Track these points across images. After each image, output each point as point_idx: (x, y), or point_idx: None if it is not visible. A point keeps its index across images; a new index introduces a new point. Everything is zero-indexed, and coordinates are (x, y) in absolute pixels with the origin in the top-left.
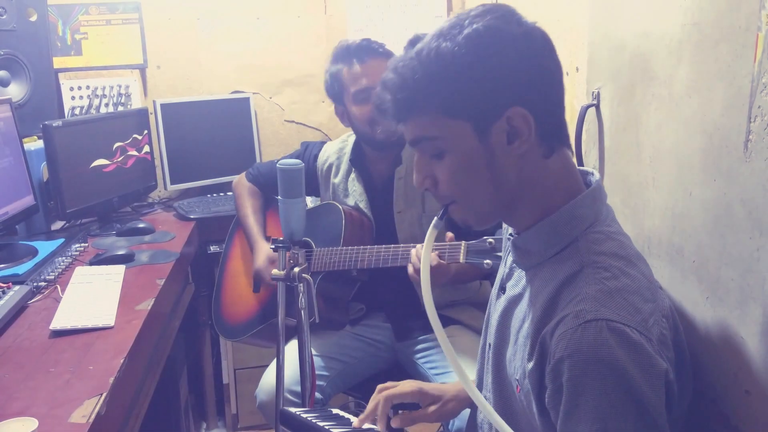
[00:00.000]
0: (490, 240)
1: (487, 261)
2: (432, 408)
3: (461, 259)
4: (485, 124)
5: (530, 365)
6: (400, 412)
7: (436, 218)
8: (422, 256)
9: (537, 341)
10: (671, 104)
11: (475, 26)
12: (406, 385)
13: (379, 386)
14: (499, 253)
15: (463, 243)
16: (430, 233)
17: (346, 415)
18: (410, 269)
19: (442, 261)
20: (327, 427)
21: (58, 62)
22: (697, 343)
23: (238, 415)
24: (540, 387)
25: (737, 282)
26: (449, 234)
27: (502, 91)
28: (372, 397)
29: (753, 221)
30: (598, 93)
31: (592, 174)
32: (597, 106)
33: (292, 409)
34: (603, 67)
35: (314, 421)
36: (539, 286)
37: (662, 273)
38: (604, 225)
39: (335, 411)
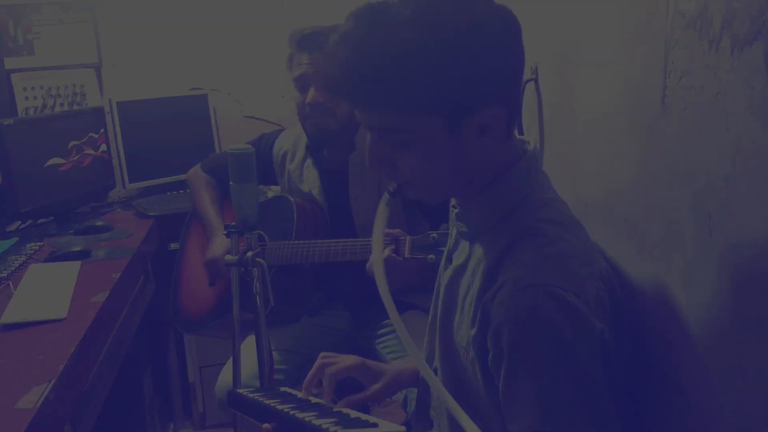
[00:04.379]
0: (434, 234)
1: (431, 255)
2: (375, 387)
3: (406, 253)
4: (459, 120)
5: (473, 331)
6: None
7: (387, 195)
8: (374, 236)
9: (479, 308)
10: (599, 70)
11: (457, 24)
12: (350, 360)
13: (322, 354)
14: (441, 248)
15: (407, 238)
16: (381, 212)
17: (293, 392)
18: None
19: (397, 257)
20: (273, 405)
21: (9, 63)
22: (632, 298)
23: (205, 413)
24: (483, 352)
25: (661, 234)
26: (398, 230)
27: (482, 89)
28: (314, 367)
29: (672, 173)
30: (536, 68)
31: (528, 143)
32: (536, 80)
33: (241, 390)
34: (540, 41)
35: (262, 400)
36: (482, 255)
37: (598, 235)
38: (540, 193)
39: (283, 389)
